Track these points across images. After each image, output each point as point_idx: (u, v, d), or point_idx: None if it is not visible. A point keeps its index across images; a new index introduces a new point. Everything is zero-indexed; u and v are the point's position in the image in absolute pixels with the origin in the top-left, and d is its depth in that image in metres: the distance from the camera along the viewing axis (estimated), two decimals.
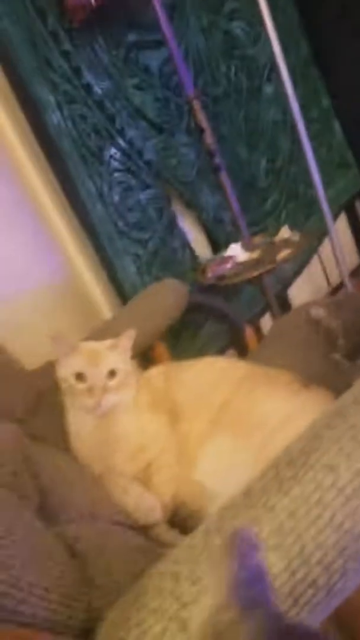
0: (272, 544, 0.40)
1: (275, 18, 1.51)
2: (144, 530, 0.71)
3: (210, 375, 0.87)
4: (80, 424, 0.85)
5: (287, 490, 0.43)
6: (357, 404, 0.47)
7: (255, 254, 1.47)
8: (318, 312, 0.92)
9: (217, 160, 1.39)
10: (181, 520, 0.75)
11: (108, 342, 0.87)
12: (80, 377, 0.81)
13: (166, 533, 0.71)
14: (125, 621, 0.39)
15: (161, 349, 1.14)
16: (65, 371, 0.83)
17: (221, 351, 1.59)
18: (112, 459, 0.82)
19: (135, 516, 0.71)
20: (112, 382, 0.82)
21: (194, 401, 0.84)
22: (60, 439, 0.85)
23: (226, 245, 1.58)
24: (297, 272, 2.02)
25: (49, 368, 0.92)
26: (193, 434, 0.80)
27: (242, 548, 0.27)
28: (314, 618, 0.40)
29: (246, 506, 0.43)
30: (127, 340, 0.87)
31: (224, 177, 1.40)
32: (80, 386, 0.81)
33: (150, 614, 0.39)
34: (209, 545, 0.41)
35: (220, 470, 0.73)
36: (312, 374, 0.89)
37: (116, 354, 0.84)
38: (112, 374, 0.82)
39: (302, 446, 0.46)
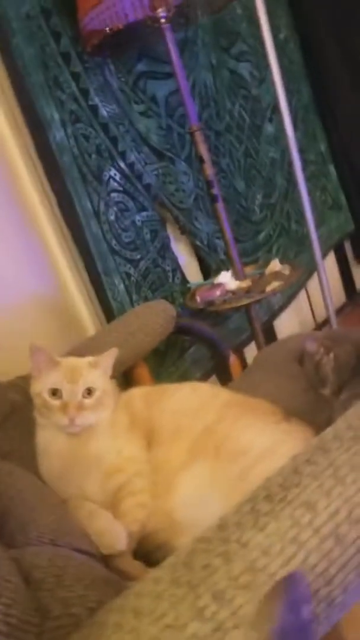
0: (243, 581, 0.39)
1: (281, 63, 1.57)
2: (107, 559, 0.68)
3: (191, 401, 0.86)
4: (50, 443, 0.82)
5: (262, 526, 0.42)
6: (339, 440, 0.47)
7: (245, 284, 1.48)
8: (312, 346, 0.92)
9: (215, 190, 1.41)
10: (148, 552, 0.72)
11: (89, 359, 0.85)
12: (55, 392, 0.80)
13: (130, 564, 0.68)
14: None
15: (143, 370, 1.13)
16: (40, 386, 0.81)
17: (204, 377, 1.58)
18: (82, 480, 0.79)
19: (99, 543, 0.68)
20: (89, 401, 0.80)
21: (173, 426, 0.82)
22: (26, 457, 0.82)
23: (217, 273, 1.59)
24: (285, 305, 2.05)
25: (22, 381, 0.91)
26: (170, 460, 0.78)
27: (295, 594, 0.26)
28: None
29: (219, 540, 0.42)
30: (108, 359, 0.86)
31: (220, 207, 1.42)
32: (55, 402, 0.79)
33: None
34: (176, 581, 0.40)
35: (194, 501, 0.71)
36: (294, 407, 0.89)
37: (95, 372, 0.83)
38: (89, 392, 0.80)
39: (281, 481, 0.46)
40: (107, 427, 0.84)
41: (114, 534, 0.69)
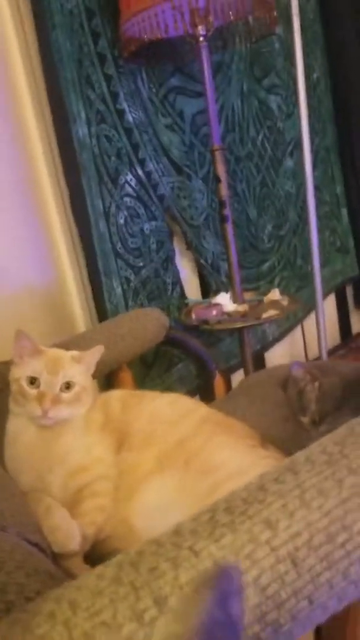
0: (188, 590, 0.37)
1: (310, 102, 1.61)
2: (56, 558, 0.65)
3: (169, 411, 0.85)
4: (20, 432, 0.80)
5: (218, 537, 0.40)
6: (310, 463, 0.45)
7: (242, 308, 1.48)
8: (299, 372, 0.91)
9: (226, 211, 1.42)
10: (100, 556, 0.69)
11: (72, 353, 0.84)
12: (33, 381, 0.78)
13: (79, 567, 0.65)
14: None
15: (126, 375, 1.11)
16: (19, 372, 0.80)
17: (188, 395, 1.56)
18: (45, 474, 0.77)
19: (51, 540, 0.65)
20: (66, 395, 0.79)
21: (147, 433, 0.80)
22: None
23: (216, 293, 1.59)
24: (279, 338, 2.04)
25: (3, 367, 0.89)
26: (137, 466, 0.76)
27: (226, 589, 0.25)
28: None
29: (171, 544, 0.40)
30: (93, 356, 0.84)
31: (229, 228, 1.43)
32: (32, 391, 0.78)
33: (34, 639, 0.34)
34: (120, 579, 0.38)
35: (155, 510, 0.69)
36: (272, 434, 0.87)
37: (77, 367, 0.81)
38: (67, 386, 0.79)
39: (245, 495, 0.44)
40: (80, 425, 0.82)
41: (68, 533, 0.67)
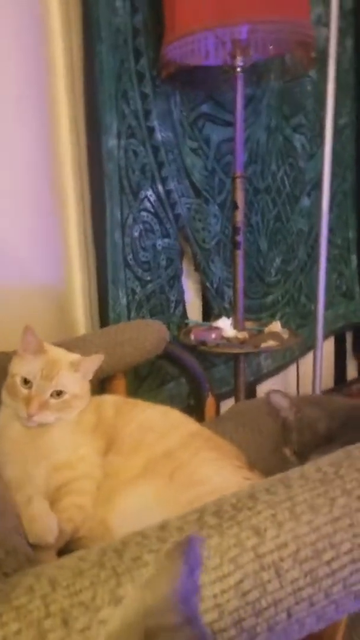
0: (158, 561, 0.36)
1: (333, 146, 1.65)
2: (31, 549, 0.64)
3: (160, 422, 0.84)
4: (8, 422, 0.81)
5: (205, 537, 0.40)
6: (304, 479, 0.45)
7: (241, 335, 1.49)
8: (278, 400, 0.91)
9: (239, 238, 1.44)
10: None
11: (72, 359, 0.84)
12: (27, 382, 0.79)
13: (51, 561, 0.64)
14: None
15: (121, 383, 1.11)
16: (17, 368, 0.80)
17: None
18: (30, 467, 0.76)
19: (28, 530, 0.64)
20: (55, 401, 0.79)
21: (136, 440, 0.80)
22: None
23: (217, 318, 1.60)
24: (273, 373, 2.04)
25: (3, 357, 0.89)
26: (123, 471, 0.75)
27: (193, 557, 0.24)
28: None
29: (157, 538, 0.39)
30: (92, 364, 0.84)
31: (240, 255, 1.45)
32: (23, 391, 0.78)
33: (10, 610, 0.34)
34: (102, 563, 0.37)
35: (133, 515, 0.68)
36: (257, 463, 0.87)
37: (73, 375, 0.82)
38: (58, 393, 0.79)
39: (234, 501, 0.44)
40: (71, 424, 0.82)
41: (46, 525, 0.66)
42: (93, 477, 0.75)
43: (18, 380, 0.79)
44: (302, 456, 0.87)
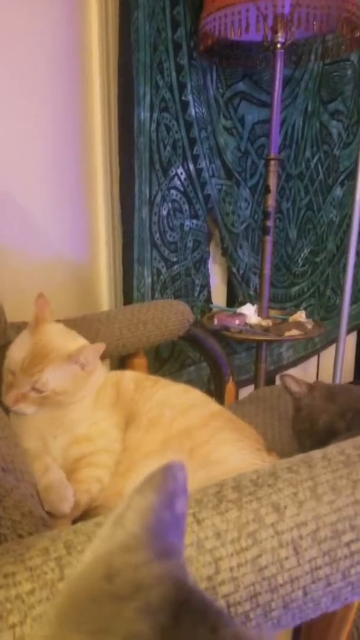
0: (186, 555, 0.35)
1: None
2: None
3: (181, 399, 0.83)
4: None
5: (223, 510, 0.39)
6: (327, 460, 0.43)
7: (265, 322, 1.46)
8: (290, 385, 0.89)
9: (270, 222, 1.41)
10: None
11: (71, 351, 0.77)
12: (11, 371, 0.76)
13: None
14: None
15: (142, 361, 1.10)
16: (9, 352, 0.77)
17: None
18: (50, 440, 0.76)
19: (44, 498, 0.64)
20: (35, 395, 0.75)
21: (156, 416, 0.79)
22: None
23: (241, 304, 1.58)
24: (294, 364, 2.01)
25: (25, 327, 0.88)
26: (142, 446, 0.75)
27: (172, 486, 0.23)
28: None
29: None
30: (92, 353, 0.78)
31: (269, 241, 1.42)
32: (9, 377, 0.76)
33: (24, 571, 0.33)
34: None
35: None
36: (275, 447, 0.85)
37: (65, 368, 0.76)
38: (39, 391, 0.75)
39: (255, 477, 0.42)
40: (89, 398, 0.81)
41: (62, 494, 0.65)
42: (112, 451, 0.75)
43: (5, 367, 0.76)
44: (301, 444, 0.86)
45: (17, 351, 0.77)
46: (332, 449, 0.47)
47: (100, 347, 0.79)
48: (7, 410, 0.76)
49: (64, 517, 0.65)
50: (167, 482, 0.23)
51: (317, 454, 0.46)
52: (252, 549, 0.36)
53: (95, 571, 0.20)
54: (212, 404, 0.86)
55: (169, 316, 1.12)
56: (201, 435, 0.75)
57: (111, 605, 0.19)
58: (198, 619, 0.19)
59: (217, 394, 1.21)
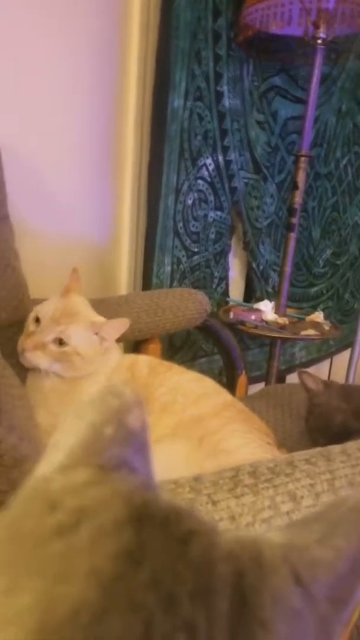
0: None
1: None
2: None
3: (194, 387, 0.83)
4: (43, 375, 0.80)
5: (239, 494, 0.38)
6: (346, 455, 0.43)
7: (282, 320, 1.45)
8: (307, 381, 0.89)
9: (295, 220, 1.39)
10: None
11: (97, 320, 0.81)
12: (37, 321, 0.78)
13: None
14: None
15: (156, 347, 1.10)
16: (38, 307, 0.80)
17: None
18: (62, 417, 0.77)
19: None
20: (54, 348, 0.76)
21: (169, 401, 0.79)
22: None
23: (258, 300, 1.57)
24: (306, 364, 2.00)
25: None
26: (154, 430, 0.74)
27: (115, 403, 0.21)
28: None
29: (191, 488, 0.39)
30: (115, 328, 0.80)
31: (293, 238, 1.41)
32: (30, 328, 0.77)
33: None
34: None
35: (163, 472, 0.67)
36: (287, 443, 0.85)
37: (88, 335, 0.78)
38: (61, 342, 0.76)
39: (272, 465, 0.42)
40: (103, 379, 0.82)
41: None
42: None
43: (31, 316, 0.78)
44: (314, 442, 0.85)
45: (48, 304, 0.79)
46: (352, 445, 0.46)
47: (124, 322, 0.81)
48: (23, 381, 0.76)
49: None
50: (108, 401, 0.21)
51: (336, 448, 0.45)
52: None
53: (33, 504, 0.17)
54: (224, 394, 0.86)
55: (187, 305, 1.12)
56: (212, 424, 0.75)
57: (61, 539, 0.16)
58: (164, 533, 0.17)
59: (229, 387, 1.20)
